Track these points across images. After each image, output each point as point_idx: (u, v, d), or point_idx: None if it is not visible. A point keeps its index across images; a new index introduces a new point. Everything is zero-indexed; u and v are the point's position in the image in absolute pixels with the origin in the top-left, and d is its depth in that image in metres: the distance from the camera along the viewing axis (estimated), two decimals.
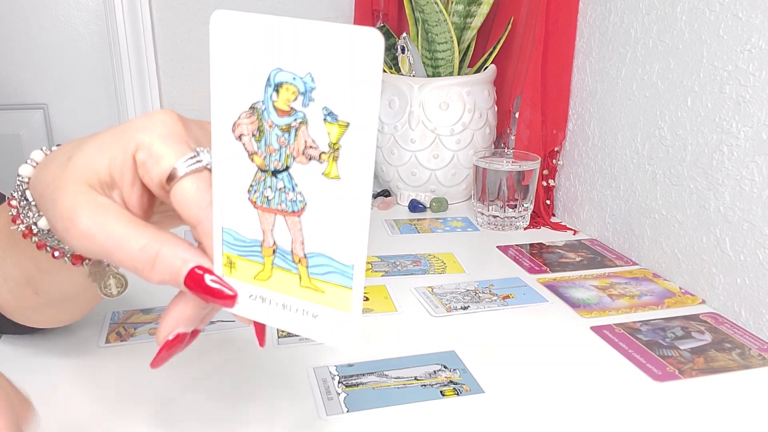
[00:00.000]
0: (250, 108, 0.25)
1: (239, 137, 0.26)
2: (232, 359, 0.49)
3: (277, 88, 0.24)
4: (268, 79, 0.25)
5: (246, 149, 0.26)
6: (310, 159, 0.25)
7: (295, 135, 0.25)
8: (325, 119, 0.24)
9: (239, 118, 0.26)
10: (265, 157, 0.26)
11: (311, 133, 0.24)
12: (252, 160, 0.26)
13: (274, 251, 0.27)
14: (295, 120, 0.25)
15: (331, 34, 0.23)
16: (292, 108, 0.24)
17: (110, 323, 0.54)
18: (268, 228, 0.27)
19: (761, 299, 0.55)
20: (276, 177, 0.26)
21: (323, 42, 0.23)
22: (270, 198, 0.26)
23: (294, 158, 0.25)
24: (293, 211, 0.26)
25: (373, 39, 0.22)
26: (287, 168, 0.25)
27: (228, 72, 0.25)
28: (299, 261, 0.26)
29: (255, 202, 0.27)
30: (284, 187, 0.26)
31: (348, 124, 0.23)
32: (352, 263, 0.25)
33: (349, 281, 0.26)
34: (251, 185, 0.26)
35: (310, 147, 0.24)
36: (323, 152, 0.24)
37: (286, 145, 0.25)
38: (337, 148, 0.24)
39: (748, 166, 0.56)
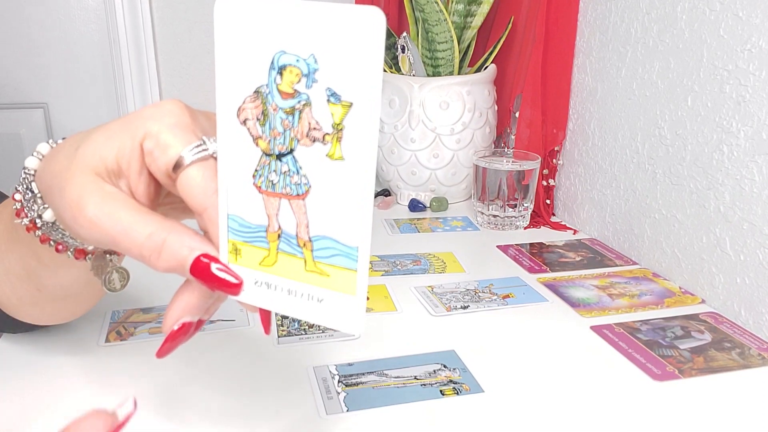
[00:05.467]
0: (255, 92, 0.25)
1: (244, 122, 0.26)
2: (232, 358, 0.49)
3: (281, 70, 0.24)
4: (272, 63, 0.25)
5: (251, 134, 0.26)
6: (314, 141, 0.25)
7: (299, 117, 0.25)
8: (328, 100, 0.24)
9: (244, 102, 0.26)
10: (269, 140, 0.26)
11: (315, 115, 0.24)
12: (257, 144, 0.26)
13: (279, 236, 0.27)
14: (299, 102, 0.25)
15: (332, 15, 0.23)
16: (295, 90, 0.24)
17: (110, 322, 0.54)
18: (273, 212, 0.27)
19: (761, 299, 0.55)
20: (280, 160, 0.26)
21: (325, 22, 0.23)
22: (275, 182, 0.26)
23: (298, 141, 0.25)
24: (298, 195, 0.26)
25: (374, 18, 0.22)
26: (291, 151, 0.25)
27: (233, 57, 0.25)
28: (304, 245, 0.26)
29: (260, 187, 0.27)
30: (289, 170, 0.26)
31: (351, 104, 0.23)
32: (357, 245, 0.25)
33: (354, 263, 0.26)
34: (256, 170, 0.26)
35: (314, 129, 0.24)
36: (327, 133, 0.24)
37: (290, 128, 0.25)
38: (341, 129, 0.24)
39: (748, 166, 0.56)
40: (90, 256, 0.36)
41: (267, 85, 0.25)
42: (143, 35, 1.06)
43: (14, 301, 0.41)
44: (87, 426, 0.25)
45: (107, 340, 0.52)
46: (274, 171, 0.26)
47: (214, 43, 0.25)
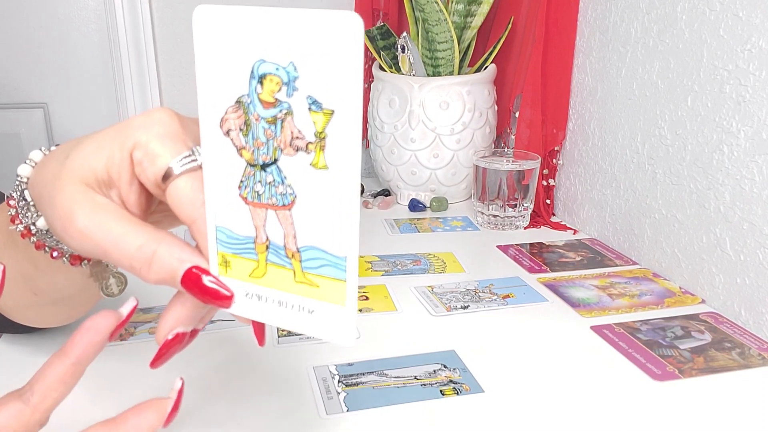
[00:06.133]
0: (236, 102, 0.25)
1: (227, 132, 0.26)
2: (232, 358, 0.49)
3: (261, 79, 0.24)
4: (252, 71, 0.24)
5: (234, 144, 0.26)
6: (297, 150, 0.24)
7: (282, 126, 0.24)
8: (309, 108, 0.24)
9: (226, 113, 0.25)
10: (253, 151, 0.26)
11: (297, 124, 0.24)
12: (241, 155, 0.26)
13: (267, 247, 0.27)
14: (281, 111, 0.24)
15: (309, 21, 0.22)
16: (276, 99, 0.24)
17: None
18: (260, 223, 0.27)
19: (761, 299, 0.55)
20: (265, 171, 0.26)
21: (303, 29, 0.23)
22: (260, 193, 0.26)
23: (282, 150, 0.25)
24: (284, 205, 0.26)
25: (351, 22, 0.22)
26: (275, 161, 0.25)
27: (213, 67, 0.25)
28: (292, 256, 0.26)
29: (246, 198, 0.26)
30: (273, 180, 0.25)
31: (333, 111, 0.23)
32: (345, 255, 0.25)
33: (343, 273, 0.25)
34: (241, 181, 0.26)
35: (297, 138, 0.24)
36: (310, 142, 0.24)
37: (273, 138, 0.25)
38: (324, 137, 0.24)
39: (748, 166, 0.56)
40: (86, 261, 0.35)
41: (248, 94, 0.25)
42: (143, 35, 1.05)
43: (11, 304, 0.41)
44: (100, 319, 0.29)
45: None
46: (260, 181, 0.26)
47: (195, 53, 0.25)
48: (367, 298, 0.61)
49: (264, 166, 0.26)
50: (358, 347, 0.51)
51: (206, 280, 0.28)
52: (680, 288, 0.64)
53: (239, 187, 0.26)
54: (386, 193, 0.95)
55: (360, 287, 0.63)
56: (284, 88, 0.24)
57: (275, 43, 0.23)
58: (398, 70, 0.91)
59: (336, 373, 0.47)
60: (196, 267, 0.28)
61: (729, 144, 0.58)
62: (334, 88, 0.23)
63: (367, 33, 0.93)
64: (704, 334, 0.55)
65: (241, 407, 0.43)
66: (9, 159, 1.12)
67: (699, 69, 0.61)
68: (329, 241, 0.25)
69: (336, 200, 0.24)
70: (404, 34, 0.89)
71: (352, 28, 0.22)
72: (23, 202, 0.33)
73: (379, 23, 1.01)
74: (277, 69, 0.24)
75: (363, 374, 0.47)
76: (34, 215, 0.33)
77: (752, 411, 0.44)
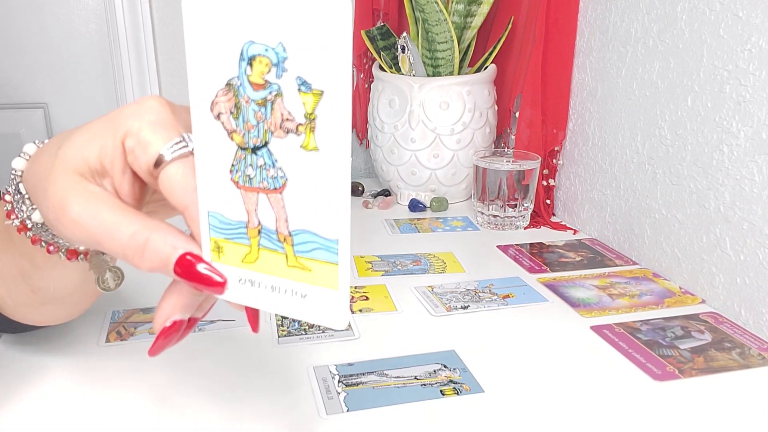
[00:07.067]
0: (227, 85, 0.25)
1: (217, 116, 0.26)
2: (232, 358, 0.49)
3: (251, 61, 0.24)
4: (242, 53, 0.24)
5: (225, 128, 0.26)
6: (287, 132, 0.24)
7: (272, 108, 0.24)
8: (299, 89, 0.23)
9: (216, 96, 0.25)
10: (243, 134, 0.25)
11: (287, 105, 0.24)
12: (231, 138, 0.26)
13: (259, 232, 0.27)
14: (270, 93, 0.24)
15: (298, 1, 0.22)
16: (266, 81, 0.24)
17: (110, 322, 0.54)
18: (252, 208, 0.26)
19: (761, 299, 0.55)
20: (256, 154, 0.25)
21: (291, 9, 0.23)
22: (251, 176, 0.26)
23: (272, 133, 0.25)
24: (275, 188, 0.25)
25: (340, 2, 0.22)
26: (266, 144, 0.25)
27: (203, 50, 0.25)
28: (284, 240, 0.26)
29: (237, 182, 0.26)
30: (264, 163, 0.25)
31: (322, 92, 0.23)
32: (336, 237, 0.25)
33: (335, 257, 0.25)
34: (233, 165, 0.26)
35: (287, 119, 0.24)
36: (300, 124, 0.24)
37: (263, 120, 0.25)
38: (313, 119, 0.23)
39: (748, 166, 0.56)
40: (82, 256, 0.36)
41: (238, 76, 0.25)
42: (143, 35, 1.05)
43: (10, 302, 0.41)
44: None
45: (107, 340, 0.52)
46: (251, 165, 0.26)
47: (184, 38, 0.25)
48: (367, 298, 0.61)
49: (255, 150, 0.25)
50: (358, 347, 0.52)
51: (199, 266, 0.28)
52: (680, 288, 0.64)
53: (230, 172, 0.26)
54: (386, 193, 0.95)
55: (360, 287, 0.63)
56: (274, 69, 0.24)
57: (264, 24, 0.23)
58: (398, 70, 0.91)
59: (336, 373, 0.47)
60: (189, 253, 0.28)
61: (729, 144, 0.58)
62: (323, 68, 0.23)
63: (367, 33, 0.93)
64: (704, 334, 0.55)
65: (241, 407, 0.44)
66: (9, 159, 1.12)
67: (699, 69, 0.61)
68: (321, 224, 0.25)
69: (327, 182, 0.24)
70: (404, 34, 0.89)
71: (341, 7, 0.22)
72: (18, 196, 0.33)
73: (379, 23, 1.01)
74: (266, 50, 0.24)
75: (363, 374, 0.47)
76: (29, 209, 0.33)
77: (752, 411, 0.44)
